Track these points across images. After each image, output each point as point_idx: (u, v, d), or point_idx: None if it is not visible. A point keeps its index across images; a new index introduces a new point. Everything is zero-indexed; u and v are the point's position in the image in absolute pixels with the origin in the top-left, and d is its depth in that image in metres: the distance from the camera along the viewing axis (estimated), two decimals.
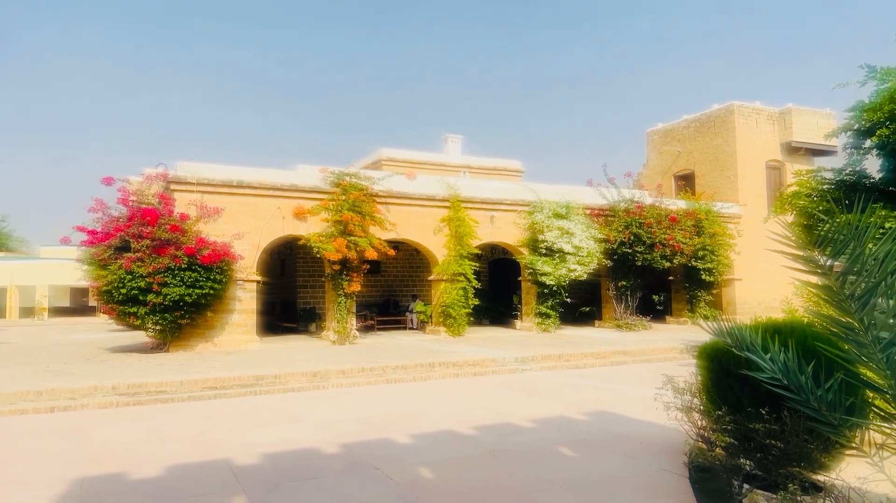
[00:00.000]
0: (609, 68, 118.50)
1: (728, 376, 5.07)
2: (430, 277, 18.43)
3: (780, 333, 4.68)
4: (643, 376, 11.36)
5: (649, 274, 20.41)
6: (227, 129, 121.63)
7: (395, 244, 17.43)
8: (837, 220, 3.30)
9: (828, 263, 3.31)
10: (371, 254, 15.95)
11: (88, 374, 10.45)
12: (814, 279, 3.52)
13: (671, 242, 19.23)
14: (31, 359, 13.11)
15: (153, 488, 5.18)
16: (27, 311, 41.47)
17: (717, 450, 5.44)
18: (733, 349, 4.25)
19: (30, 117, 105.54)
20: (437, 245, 17.87)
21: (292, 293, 20.89)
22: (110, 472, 5.64)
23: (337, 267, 15.87)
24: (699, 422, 5.67)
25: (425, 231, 17.76)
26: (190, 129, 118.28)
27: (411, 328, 20.22)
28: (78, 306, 44.58)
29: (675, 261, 19.67)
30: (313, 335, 18.41)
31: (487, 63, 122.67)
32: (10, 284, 40.83)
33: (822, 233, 3.27)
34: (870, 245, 3.32)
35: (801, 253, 3.38)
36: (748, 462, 4.88)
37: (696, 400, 5.72)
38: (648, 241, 19.09)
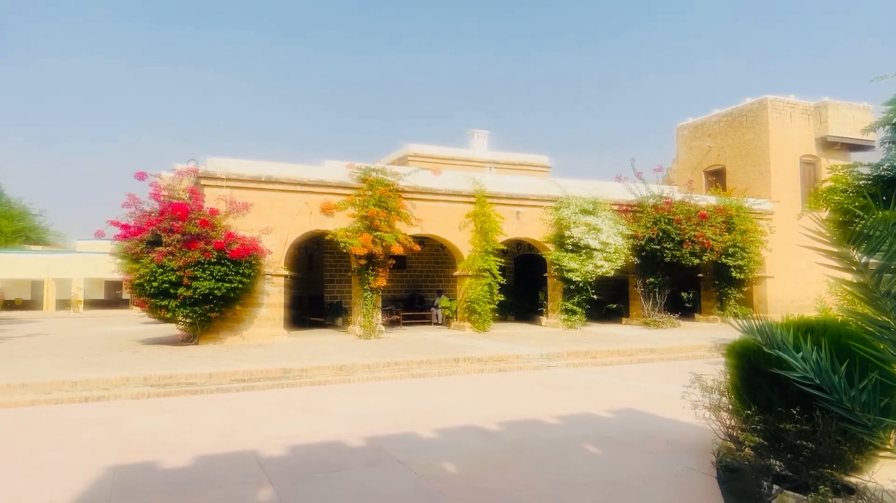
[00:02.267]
0: (638, 64, 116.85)
1: (758, 374, 4.97)
2: (456, 273, 18.44)
3: (812, 332, 4.57)
4: (671, 374, 11.21)
5: (678, 271, 20.11)
6: (255, 125, 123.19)
7: (421, 239, 17.47)
8: (874, 217, 3.21)
9: (863, 260, 3.22)
10: (397, 250, 16.02)
11: (121, 366, 10.71)
12: (848, 276, 3.44)
13: (701, 239, 18.91)
14: (66, 351, 13.48)
15: (183, 478, 5.29)
16: (63, 304, 42.66)
17: (746, 449, 5.34)
18: (763, 347, 4.17)
19: (64, 114, 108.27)
20: (462, 240, 17.86)
21: (319, 287, 21.09)
22: (142, 461, 5.77)
23: (363, 262, 15.97)
24: (727, 421, 5.58)
25: (450, 226, 17.76)
26: (219, 125, 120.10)
27: (436, 323, 20.26)
28: (112, 299, 45.66)
29: (704, 258, 19.35)
30: (340, 329, 18.57)
31: (514, 59, 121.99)
32: (46, 277, 42.01)
33: (858, 229, 3.18)
34: None
35: (835, 249, 3.29)
36: (777, 462, 4.78)
37: (724, 398, 5.63)
38: (677, 238, 18.81)
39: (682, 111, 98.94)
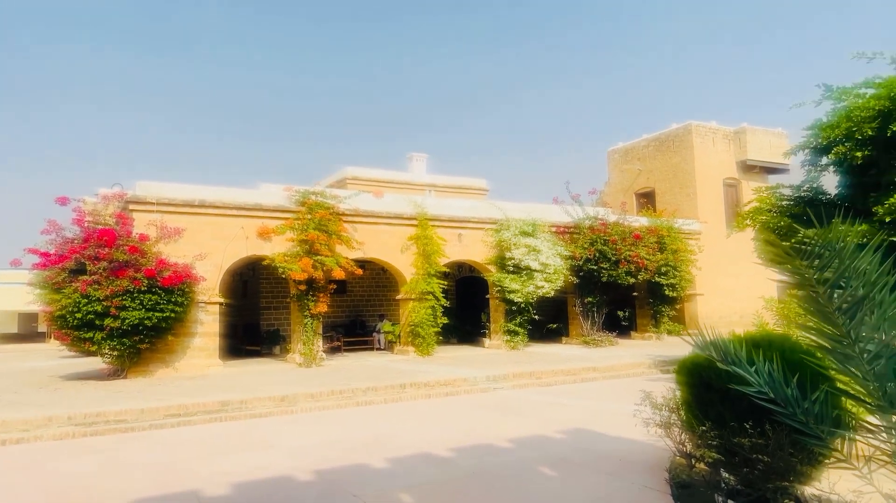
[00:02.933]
0: (572, 86, 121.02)
1: (709, 390, 5.07)
2: (398, 296, 18.25)
3: (758, 346, 4.70)
4: (614, 392, 11.40)
5: (614, 290, 20.65)
6: (183, 151, 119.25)
7: (362, 263, 17.21)
8: (826, 233, 3.33)
9: (814, 277, 3.33)
10: (338, 274, 15.70)
11: (42, 404, 9.91)
12: (789, 292, 3.56)
13: (635, 259, 19.52)
14: None
15: None
16: None
17: (699, 465, 5.43)
18: (718, 362, 4.25)
19: None
20: (404, 264, 17.73)
21: (255, 315, 20.40)
22: None
23: (303, 287, 15.56)
24: (679, 438, 5.67)
25: (392, 250, 17.61)
26: (145, 152, 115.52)
27: (379, 348, 19.94)
28: (27, 332, 42.66)
29: (639, 277, 19.96)
30: (278, 358, 17.96)
31: (449, 79, 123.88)
32: None
33: (812, 249, 3.29)
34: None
35: (790, 267, 3.39)
36: (730, 477, 4.87)
37: (674, 415, 5.72)
38: (613, 258, 19.34)
39: (612, 135, 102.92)
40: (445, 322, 17.99)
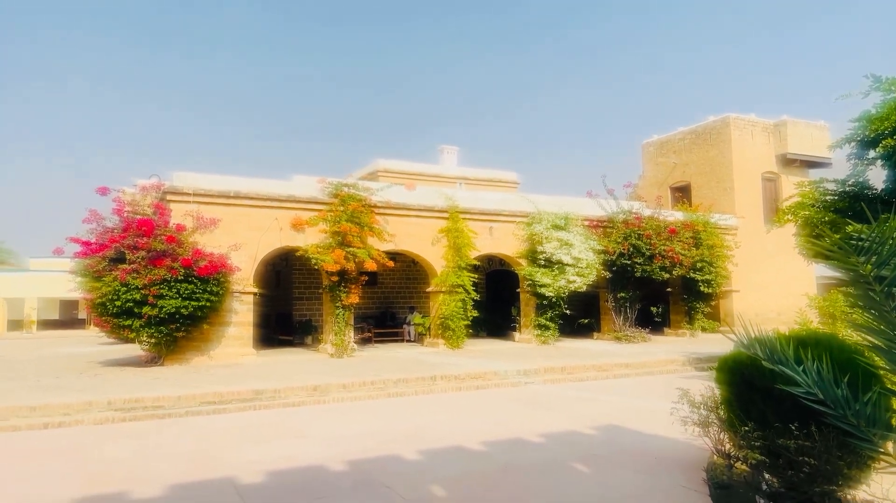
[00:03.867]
0: (603, 80, 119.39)
1: (752, 389, 4.92)
2: (429, 289, 18.26)
3: (805, 345, 4.54)
4: (648, 389, 11.22)
5: (647, 285, 20.32)
6: (220, 144, 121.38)
7: (393, 255, 17.26)
8: (880, 229, 3.18)
9: (871, 274, 3.19)
10: (370, 266, 15.77)
11: (82, 389, 10.18)
12: (839, 288, 3.41)
13: (670, 254, 19.16)
14: (21, 374, 12.81)
15: None
16: (15, 324, 40.87)
17: (739, 465, 5.29)
18: (763, 361, 4.10)
19: (21, 128, 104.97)
20: (435, 256, 17.72)
21: (288, 305, 20.64)
22: (110, 492, 5.42)
23: (335, 278, 15.67)
24: (717, 437, 5.53)
25: (423, 242, 17.62)
26: (184, 145, 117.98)
27: (409, 340, 20.00)
28: (68, 319, 44.00)
29: (674, 272, 19.59)
30: (310, 348, 18.16)
31: (483, 73, 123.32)
32: None
33: (866, 245, 3.15)
34: None
35: (843, 263, 3.25)
36: (773, 479, 4.73)
37: (713, 414, 5.58)
38: (647, 253, 19.02)
39: (647, 126, 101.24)
40: (475, 315, 17.95)
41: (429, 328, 18.55)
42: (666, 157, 27.60)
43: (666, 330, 22.59)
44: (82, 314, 41.12)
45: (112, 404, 9.02)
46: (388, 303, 22.13)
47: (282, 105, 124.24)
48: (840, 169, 12.87)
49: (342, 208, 15.89)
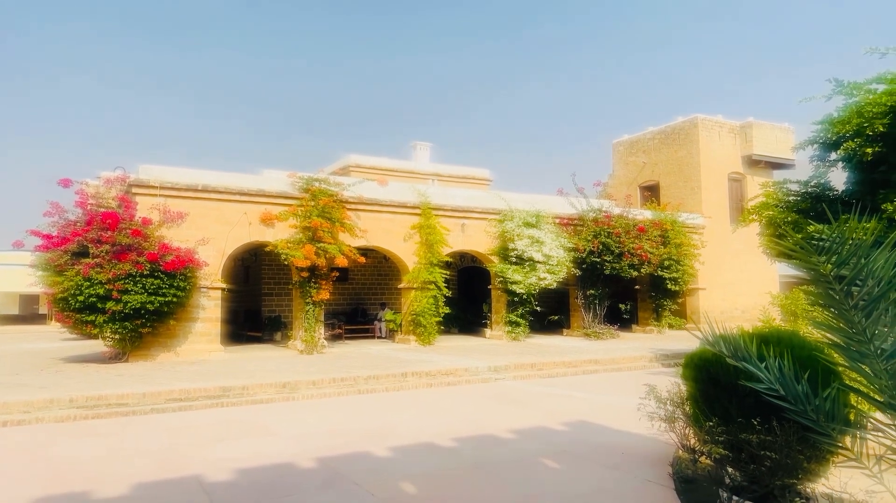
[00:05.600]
0: (574, 78, 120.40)
1: (716, 386, 5.03)
2: (400, 285, 18.22)
3: (767, 342, 4.66)
4: (616, 385, 11.39)
5: (616, 283, 20.62)
6: (189, 136, 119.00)
7: (364, 251, 17.17)
8: (839, 229, 3.28)
9: (831, 273, 3.28)
10: (341, 262, 15.66)
11: (43, 386, 9.91)
12: (800, 287, 3.51)
13: (639, 252, 19.46)
14: None
15: None
16: None
17: (703, 460, 5.41)
18: (727, 358, 4.20)
19: None
20: (407, 252, 17.69)
21: (257, 301, 20.40)
22: (72, 491, 5.29)
23: (305, 274, 15.53)
24: (683, 433, 5.64)
25: (395, 238, 17.57)
26: (149, 136, 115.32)
27: (380, 337, 19.95)
28: (28, 314, 42.72)
29: (642, 270, 19.91)
30: (279, 344, 17.98)
31: (455, 69, 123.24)
32: None
33: (827, 245, 3.24)
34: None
35: (804, 262, 3.34)
36: (736, 473, 4.85)
37: (678, 410, 5.70)
38: (617, 251, 19.29)
39: (617, 127, 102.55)
40: (447, 312, 17.99)
41: (400, 325, 18.52)
42: (636, 156, 28.01)
43: (634, 327, 22.96)
44: (43, 309, 39.97)
45: (74, 402, 8.80)
46: (359, 300, 22.03)
47: (252, 97, 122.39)
48: (803, 170, 13.23)
49: (313, 203, 15.74)
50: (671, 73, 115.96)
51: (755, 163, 25.77)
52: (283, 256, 15.28)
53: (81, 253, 12.84)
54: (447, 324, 19.42)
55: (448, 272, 18.40)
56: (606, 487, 5.37)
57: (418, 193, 17.90)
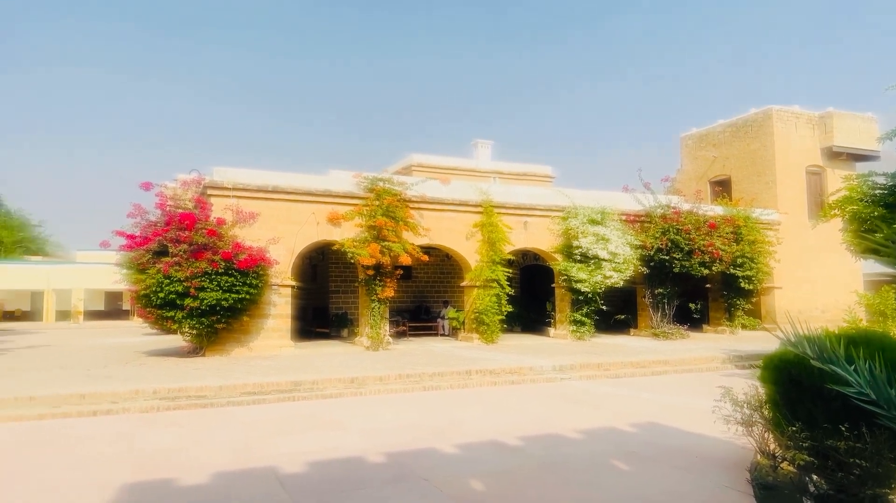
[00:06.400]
0: (640, 71, 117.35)
1: (799, 389, 4.80)
2: (463, 283, 18.27)
3: (856, 344, 4.41)
4: (687, 387, 11.04)
5: (686, 281, 19.95)
6: (254, 137, 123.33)
7: (427, 249, 17.32)
8: None
9: None
10: (405, 260, 15.87)
11: (128, 378, 10.51)
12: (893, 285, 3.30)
13: (710, 249, 18.79)
14: (70, 363, 13.27)
15: (202, 496, 5.10)
16: (63, 315, 42.35)
17: (785, 466, 5.17)
18: (812, 360, 3.99)
19: (61, 124, 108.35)
20: (469, 250, 17.72)
21: (324, 298, 20.91)
22: (157, 479, 5.58)
23: (371, 272, 15.81)
24: (762, 437, 5.41)
25: (458, 236, 17.63)
26: (220, 139, 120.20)
27: (443, 334, 20.08)
28: (112, 310, 45.38)
29: (713, 268, 19.20)
30: (346, 341, 18.38)
31: (517, 67, 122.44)
32: (46, 288, 41.74)
33: None
34: None
35: None
36: (821, 480, 4.61)
37: (756, 414, 5.46)
38: (686, 248, 18.68)
39: (684, 120, 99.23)
40: (510, 310, 17.90)
41: (463, 322, 18.58)
42: (705, 150, 27.01)
43: (705, 327, 22.17)
44: (126, 305, 42.40)
45: (157, 393, 9.29)
46: (422, 298, 22.24)
47: (316, 98, 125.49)
48: (889, 162, 12.41)
49: (377, 203, 16.01)
50: (743, 65, 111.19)
51: (836, 155, 24.38)
52: (349, 255, 15.61)
53: (162, 252, 13.52)
54: (510, 322, 19.33)
55: (510, 270, 18.32)
56: (681, 491, 5.22)
57: (480, 191, 17.90)
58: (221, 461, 6.14)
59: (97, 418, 8.39)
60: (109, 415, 8.55)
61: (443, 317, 20.41)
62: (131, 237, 13.73)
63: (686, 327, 19.77)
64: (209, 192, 14.81)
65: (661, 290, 19.47)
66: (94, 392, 9.05)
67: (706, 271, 19.14)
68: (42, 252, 56.08)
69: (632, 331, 20.93)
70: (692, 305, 22.77)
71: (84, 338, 22.87)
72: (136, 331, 25.78)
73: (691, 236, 18.78)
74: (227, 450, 6.60)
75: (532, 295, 22.51)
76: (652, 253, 18.86)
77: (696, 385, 11.09)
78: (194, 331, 13.95)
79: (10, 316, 43.24)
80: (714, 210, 20.87)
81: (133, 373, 11.40)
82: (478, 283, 17.45)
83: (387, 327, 16.54)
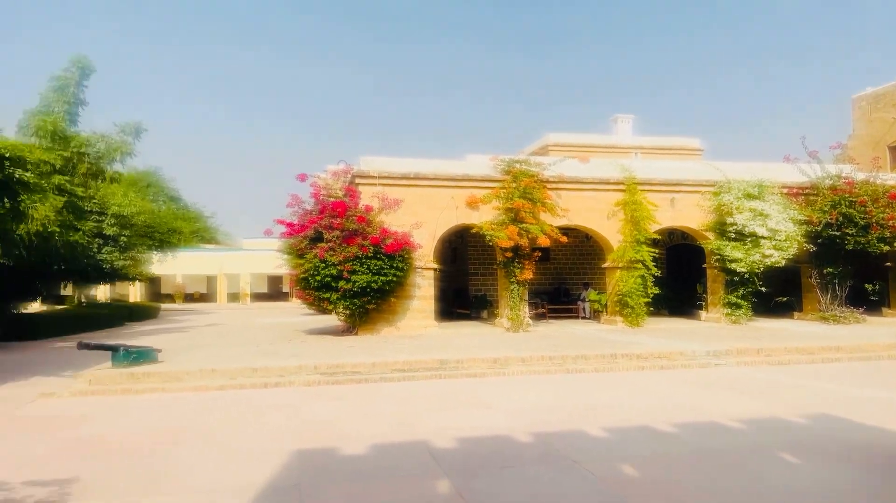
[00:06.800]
0: (796, 32, 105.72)
1: None
2: (604, 265, 17.76)
3: None
4: (864, 376, 9.94)
5: (860, 259, 17.83)
6: (395, 119, 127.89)
7: (565, 230, 17.01)
8: None
9: None
10: (543, 241, 15.73)
11: (292, 354, 11.50)
12: None
13: (891, 223, 16.62)
14: (242, 340, 14.80)
15: (362, 465, 5.47)
16: (233, 296, 47.18)
17: None
18: None
19: (223, 121, 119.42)
20: (611, 230, 17.16)
21: (464, 280, 21.34)
22: (322, 447, 6.07)
23: (509, 254, 15.87)
24: None
25: (598, 216, 17.13)
26: (362, 121, 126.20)
27: (584, 317, 19.69)
28: (273, 292, 49.75)
29: (894, 244, 16.98)
30: (486, 321, 18.66)
31: (656, 36, 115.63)
32: (219, 272, 46.70)
33: None
34: None
35: None
36: None
37: None
38: (862, 222, 16.67)
39: (854, 81, 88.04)
40: (656, 292, 17.11)
41: (605, 305, 18.08)
42: (884, 111, 23.84)
43: (885, 310, 19.73)
44: (286, 288, 46.27)
45: (318, 369, 10.07)
46: (561, 280, 21.94)
47: (454, 79, 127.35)
48: None
49: (514, 185, 15.98)
50: None
51: None
52: (487, 237, 15.78)
53: (317, 238, 14.56)
54: (656, 305, 18.48)
55: (656, 250, 17.50)
56: (858, 489, 4.72)
57: (621, 168, 17.22)
58: (378, 433, 6.53)
59: (267, 390, 9.27)
60: (278, 387, 9.42)
61: (583, 300, 20.00)
62: (290, 225, 14.93)
63: (862, 310, 17.72)
64: (357, 180, 15.65)
65: (830, 270, 17.57)
66: (265, 366, 10.02)
67: (886, 248, 16.97)
68: (214, 241, 62.34)
69: (795, 314, 19.14)
70: (868, 286, 20.35)
71: (251, 317, 25.35)
72: (295, 312, 28.09)
73: (868, 209, 16.73)
74: (383, 424, 7.01)
75: (680, 276, 21.33)
76: (819, 228, 17.06)
77: (876, 375, 9.95)
78: (347, 312, 14.91)
79: (191, 297, 48.97)
80: (895, 179, 18.40)
81: (296, 349, 12.44)
82: (620, 265, 16.87)
83: (526, 309, 16.54)
